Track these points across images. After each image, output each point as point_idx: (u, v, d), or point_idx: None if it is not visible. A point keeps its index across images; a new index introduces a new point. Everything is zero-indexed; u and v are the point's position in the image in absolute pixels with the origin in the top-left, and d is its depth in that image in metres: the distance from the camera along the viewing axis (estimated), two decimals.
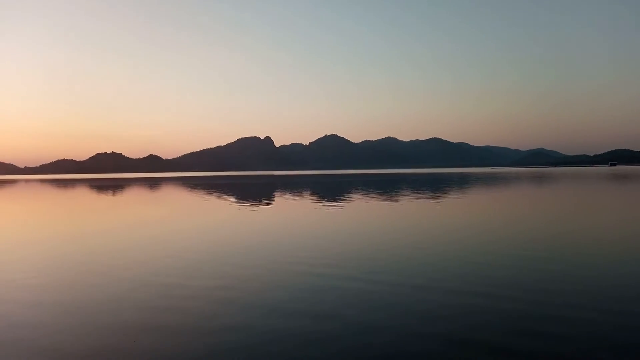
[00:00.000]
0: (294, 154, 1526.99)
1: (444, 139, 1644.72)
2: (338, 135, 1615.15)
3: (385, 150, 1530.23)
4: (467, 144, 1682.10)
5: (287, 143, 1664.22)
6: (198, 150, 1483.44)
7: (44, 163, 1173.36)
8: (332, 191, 56.96)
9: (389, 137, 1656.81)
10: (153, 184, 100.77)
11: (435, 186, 64.45)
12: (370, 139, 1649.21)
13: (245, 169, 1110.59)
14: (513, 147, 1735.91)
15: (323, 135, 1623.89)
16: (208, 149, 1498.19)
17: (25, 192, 69.74)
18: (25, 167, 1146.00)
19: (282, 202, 39.18)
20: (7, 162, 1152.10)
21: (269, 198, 45.71)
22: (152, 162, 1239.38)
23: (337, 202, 37.95)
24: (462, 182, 76.02)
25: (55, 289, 10.86)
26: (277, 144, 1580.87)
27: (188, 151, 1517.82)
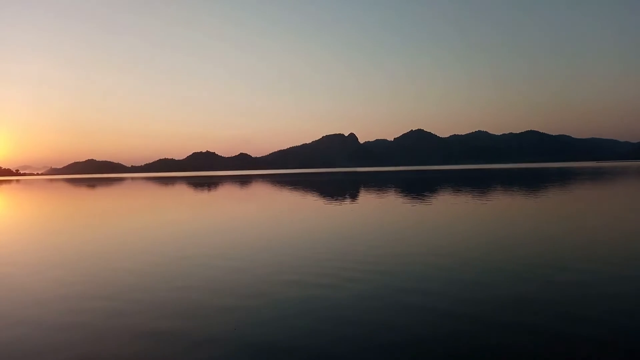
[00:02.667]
0: (379, 150, 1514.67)
1: (541, 131, 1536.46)
2: (424, 129, 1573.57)
3: (476, 145, 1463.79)
4: (568, 136, 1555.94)
5: (372, 139, 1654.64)
6: (285, 148, 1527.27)
7: (147, 162, 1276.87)
8: (415, 187, 56.11)
9: (479, 131, 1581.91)
10: (245, 181, 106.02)
11: (527, 183, 60.93)
12: (459, 133, 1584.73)
13: (330, 166, 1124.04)
14: (622, 139, 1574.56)
15: (408, 130, 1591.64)
16: (294, 146, 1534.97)
17: (133, 189, 76.75)
18: (132, 165, 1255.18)
19: (365, 199, 39.47)
20: (116, 162, 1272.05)
21: (351, 194, 46.22)
22: (243, 160, 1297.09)
23: (420, 199, 37.44)
24: (559, 178, 70.99)
25: (155, 273, 11.89)
26: (362, 140, 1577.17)
27: (276, 149, 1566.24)
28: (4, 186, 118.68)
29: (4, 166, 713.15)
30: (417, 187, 57.25)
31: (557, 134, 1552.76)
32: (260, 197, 47.33)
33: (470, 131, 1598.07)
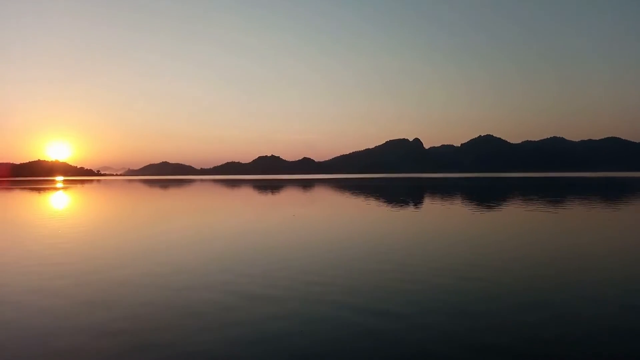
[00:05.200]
0: (445, 156, 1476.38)
1: (623, 138, 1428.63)
2: (494, 135, 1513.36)
3: (550, 152, 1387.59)
4: None
5: (437, 144, 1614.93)
6: (348, 152, 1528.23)
7: (215, 165, 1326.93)
8: (478, 195, 53.89)
9: (554, 137, 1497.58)
10: (309, 184, 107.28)
11: (608, 194, 56.58)
12: (532, 139, 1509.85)
13: (393, 171, 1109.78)
14: None
15: (477, 135, 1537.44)
16: (357, 151, 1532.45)
17: (208, 190, 79.93)
18: (201, 168, 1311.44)
19: (424, 206, 38.44)
20: (187, 164, 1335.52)
21: (419, 201, 45.18)
22: (306, 164, 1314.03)
23: (484, 208, 35.83)
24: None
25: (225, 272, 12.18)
26: (427, 146, 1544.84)
27: (338, 154, 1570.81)
28: (87, 185, 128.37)
29: (86, 167, 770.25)
30: (487, 195, 54.97)
31: None
32: (329, 200, 47.54)
33: (545, 137, 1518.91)
